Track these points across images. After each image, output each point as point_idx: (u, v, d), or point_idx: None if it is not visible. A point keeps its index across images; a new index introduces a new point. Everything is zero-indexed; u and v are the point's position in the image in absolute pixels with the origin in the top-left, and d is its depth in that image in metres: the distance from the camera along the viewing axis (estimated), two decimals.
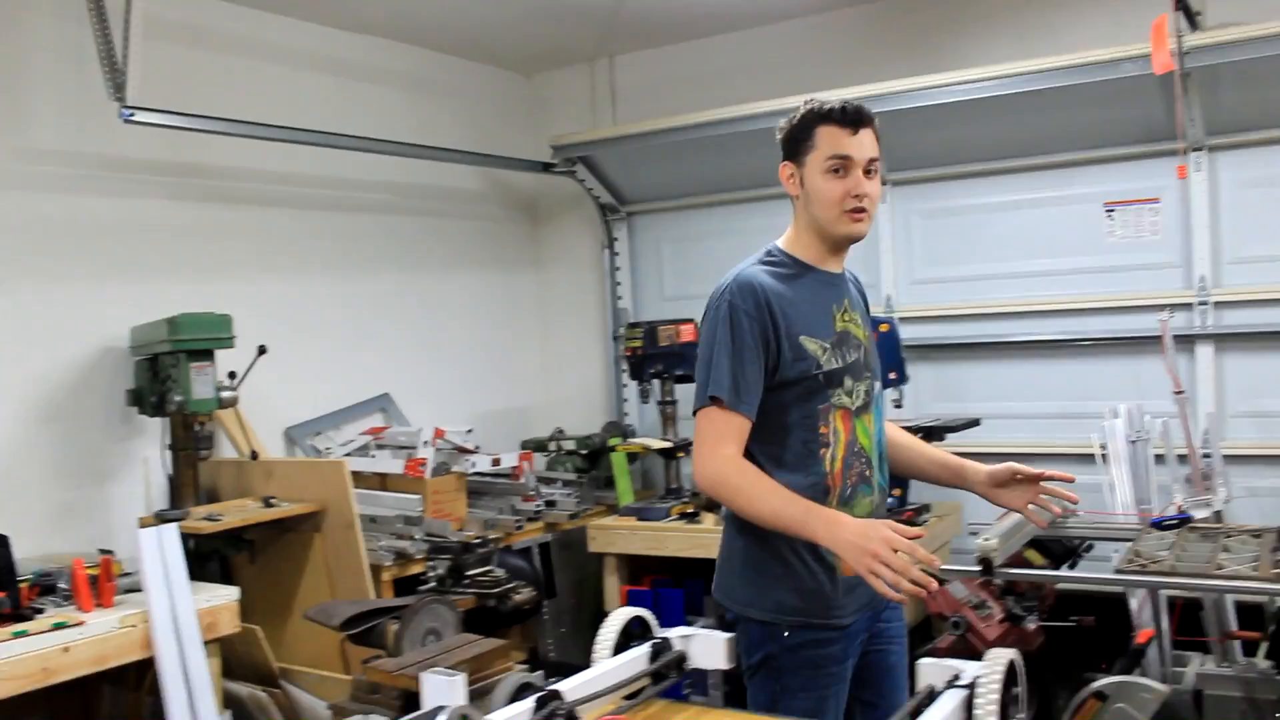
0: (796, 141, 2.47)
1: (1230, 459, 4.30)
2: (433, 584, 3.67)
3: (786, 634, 2.41)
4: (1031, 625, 3.81)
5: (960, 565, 3.42)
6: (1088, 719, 3.42)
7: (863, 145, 2.42)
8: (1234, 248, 4.33)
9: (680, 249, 5.52)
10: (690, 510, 4.54)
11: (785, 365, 2.39)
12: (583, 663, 2.06)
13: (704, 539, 4.38)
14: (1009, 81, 4.31)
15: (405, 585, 4.01)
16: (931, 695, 1.81)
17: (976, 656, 3.47)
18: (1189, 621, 4.02)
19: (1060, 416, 4.53)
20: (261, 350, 3.91)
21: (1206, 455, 4.08)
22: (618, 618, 2.13)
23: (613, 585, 4.61)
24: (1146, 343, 4.32)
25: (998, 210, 4.71)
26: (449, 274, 5.45)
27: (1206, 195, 4.31)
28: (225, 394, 3.85)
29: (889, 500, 4.14)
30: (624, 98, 5.66)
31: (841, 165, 2.40)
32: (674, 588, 4.56)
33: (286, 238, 4.72)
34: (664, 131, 5.01)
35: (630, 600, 4.55)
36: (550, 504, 4.75)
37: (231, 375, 3.94)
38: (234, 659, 3.81)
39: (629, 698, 2.05)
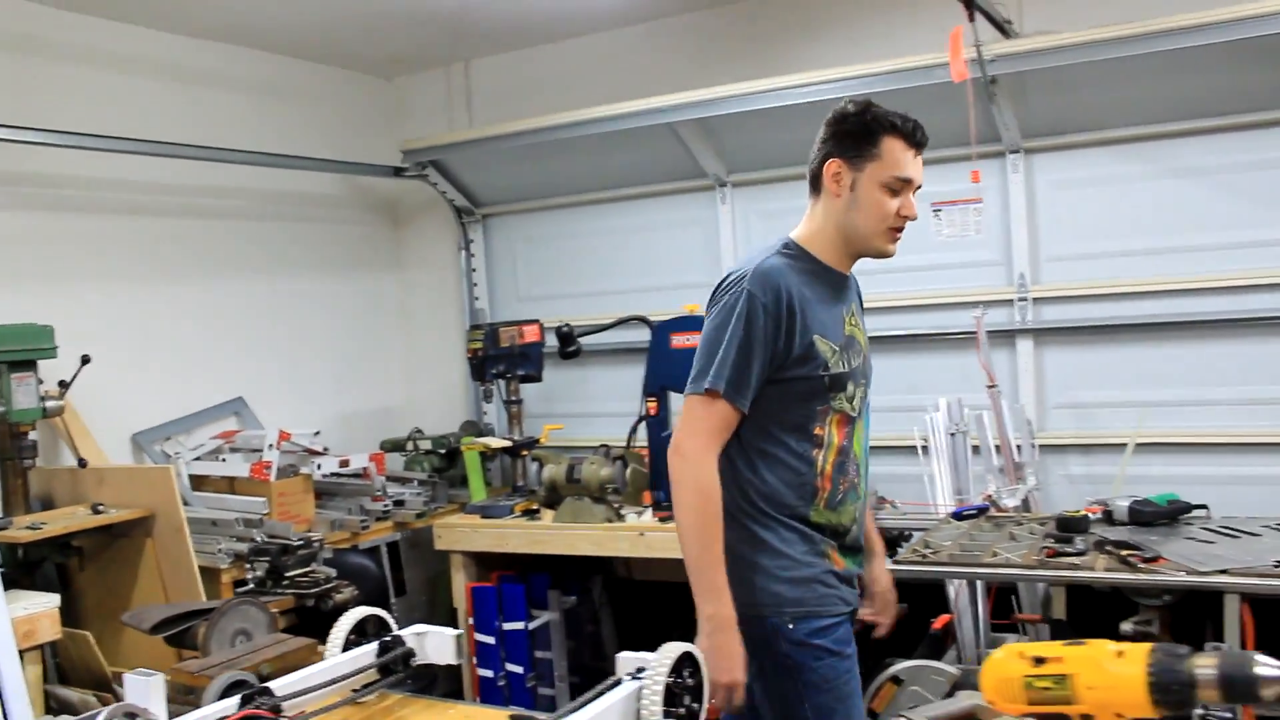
0: (857, 143, 2.42)
1: (1049, 448, 4.52)
2: (251, 586, 3.76)
3: (791, 626, 2.39)
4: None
5: None
6: (885, 702, 3.59)
7: (919, 168, 2.45)
8: (1050, 246, 4.52)
9: (534, 250, 5.63)
10: (533, 508, 4.67)
11: (793, 363, 2.37)
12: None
13: (543, 536, 4.52)
14: (835, 86, 4.43)
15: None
16: (615, 685, 1.94)
17: None
18: (1005, 606, 4.23)
19: (891, 410, 4.67)
20: (85, 360, 3.98)
21: (1020, 446, 4.28)
22: (349, 617, 2.25)
23: (459, 582, 4.74)
24: (971, 338, 4.50)
25: None
26: (308, 278, 5.52)
27: (1024, 196, 4.50)
28: (50, 403, 3.92)
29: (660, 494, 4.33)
30: (481, 101, 5.75)
31: (901, 187, 2.41)
32: (518, 583, 4.69)
33: (134, 245, 4.74)
34: (514, 135, 5.10)
35: (474, 597, 4.69)
36: (399, 503, 4.85)
37: (62, 384, 4.02)
38: (68, 665, 3.88)
39: (359, 691, 2.17)
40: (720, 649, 2.30)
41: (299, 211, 5.51)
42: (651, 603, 4.92)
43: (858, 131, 2.42)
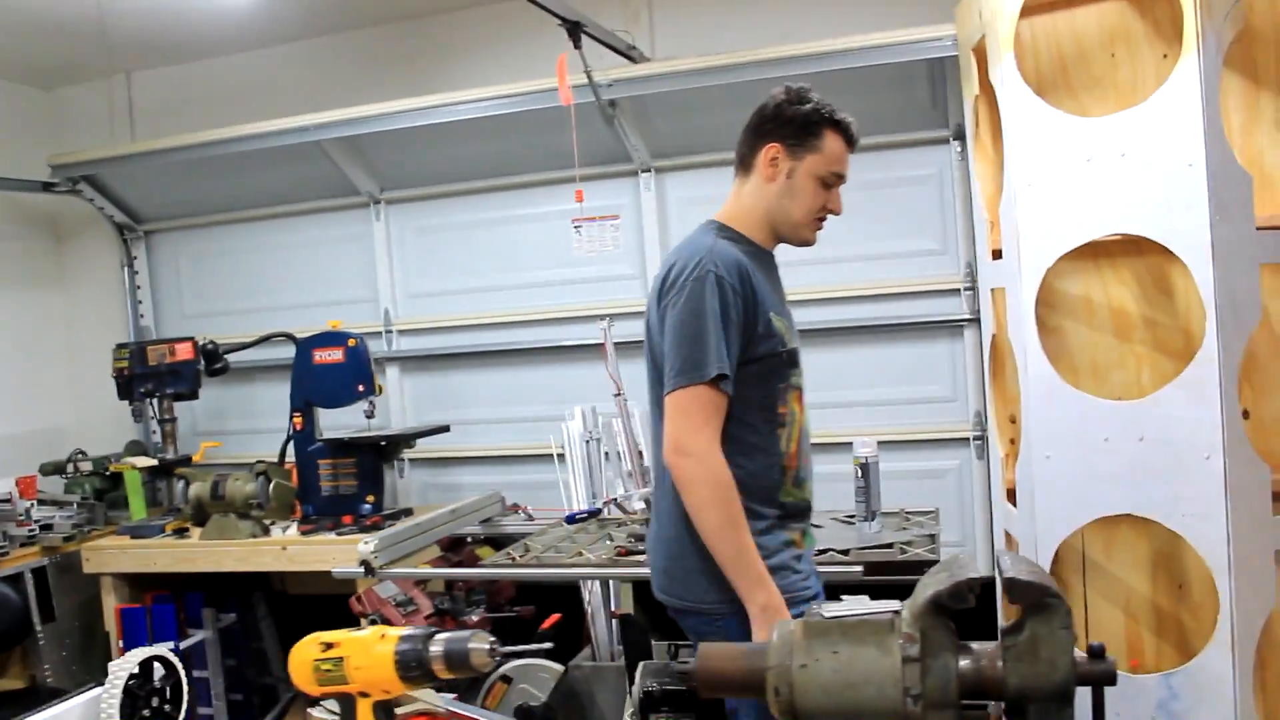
0: (799, 132, 2.44)
1: None
2: None
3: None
4: (475, 617, 4.14)
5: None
6: (498, 700, 3.78)
7: (849, 166, 2.52)
8: None
9: (198, 267, 5.60)
10: (184, 526, 4.69)
11: (755, 342, 2.36)
12: (86, 685, 2.12)
13: (190, 553, 4.54)
14: (475, 106, 4.64)
15: None
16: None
17: None
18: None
19: (533, 420, 4.87)
20: None
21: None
22: None
23: (109, 605, 4.69)
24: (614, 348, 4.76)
25: (481, 226, 5.05)
26: None
27: (655, 213, 4.78)
28: None
29: (364, 507, 4.45)
30: (145, 114, 5.69)
31: (835, 182, 2.47)
32: (169, 603, 4.69)
33: None
34: (168, 151, 5.09)
35: (123, 618, 4.66)
36: (46, 528, 4.78)
37: None
38: None
39: None
40: None
41: None
42: (311, 615, 4.97)
43: (800, 121, 2.44)
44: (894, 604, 1.62)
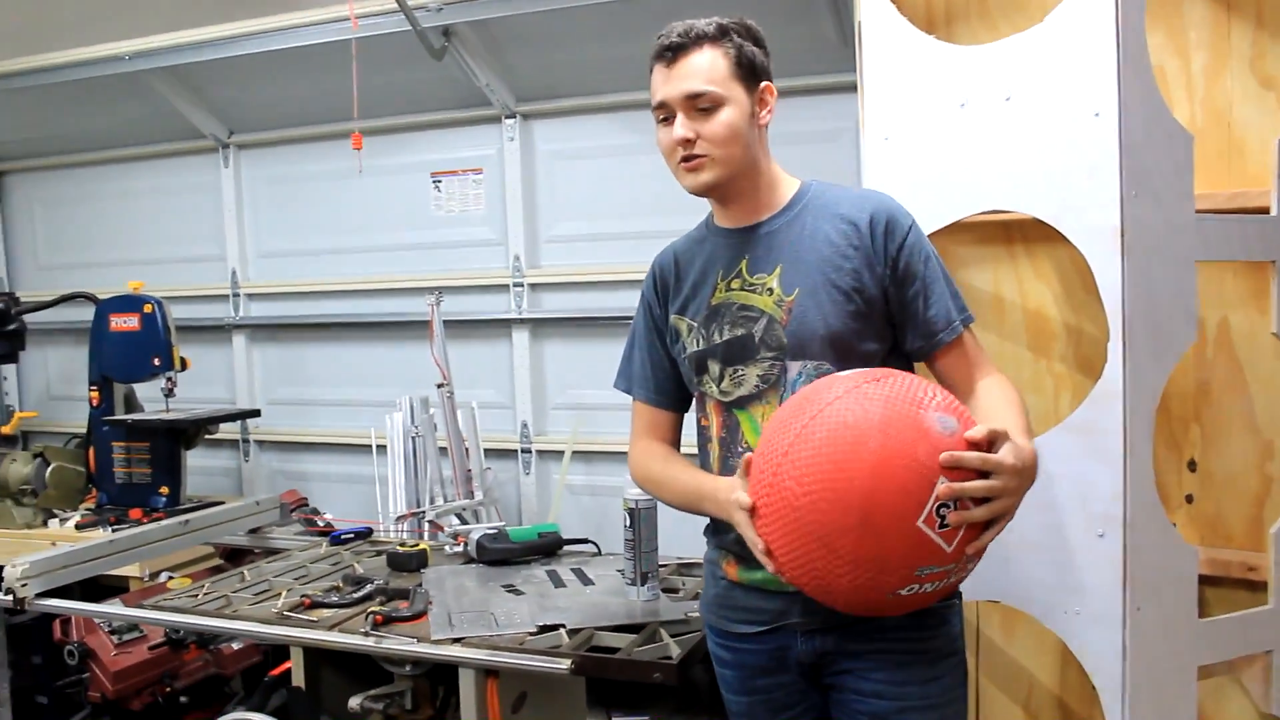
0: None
1: (549, 454, 3.87)
2: None
3: (708, 630, 2.03)
4: (238, 645, 3.28)
5: None
6: None
7: (680, 78, 1.77)
8: (552, 226, 3.84)
9: (54, 214, 4.71)
10: None
11: (672, 349, 1.97)
12: None
13: None
14: (315, 30, 3.70)
15: None
16: None
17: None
18: None
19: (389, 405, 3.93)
20: None
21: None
22: None
23: None
24: (471, 326, 3.85)
25: (340, 177, 4.07)
26: None
27: (520, 167, 3.80)
28: None
29: (158, 499, 3.61)
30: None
31: (666, 113, 1.80)
32: None
33: None
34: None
35: None
36: None
37: None
38: None
39: None
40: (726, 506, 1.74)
41: None
42: None
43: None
44: None
